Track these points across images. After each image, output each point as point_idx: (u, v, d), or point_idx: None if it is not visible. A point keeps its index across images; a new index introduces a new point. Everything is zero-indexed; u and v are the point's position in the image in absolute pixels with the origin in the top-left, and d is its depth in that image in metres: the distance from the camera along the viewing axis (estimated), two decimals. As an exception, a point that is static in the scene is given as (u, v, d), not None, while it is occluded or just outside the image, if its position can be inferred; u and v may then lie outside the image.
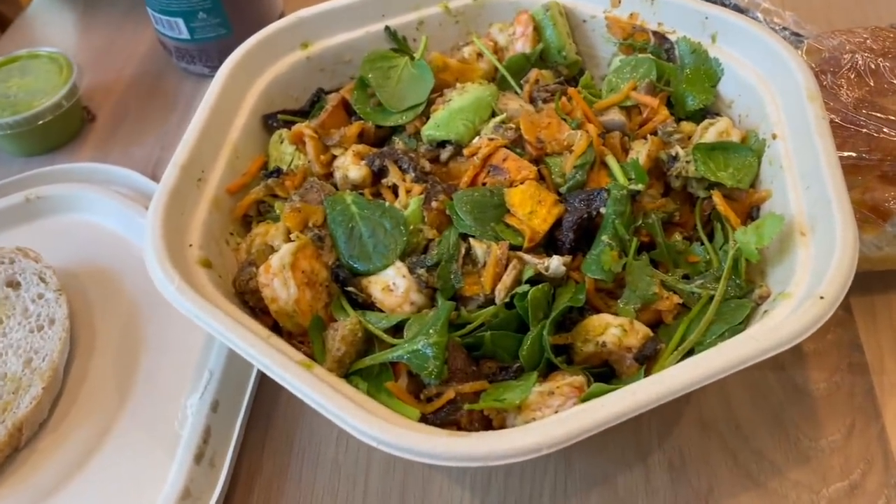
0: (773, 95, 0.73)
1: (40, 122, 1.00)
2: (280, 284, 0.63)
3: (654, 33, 0.83)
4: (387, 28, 0.87)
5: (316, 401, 0.53)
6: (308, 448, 0.71)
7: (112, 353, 0.79)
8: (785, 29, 1.01)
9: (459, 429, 0.59)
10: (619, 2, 0.85)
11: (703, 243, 0.69)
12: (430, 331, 0.59)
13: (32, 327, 0.78)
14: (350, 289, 0.66)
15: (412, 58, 0.84)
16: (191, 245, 0.67)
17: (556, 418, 0.50)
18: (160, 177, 0.69)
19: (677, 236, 0.70)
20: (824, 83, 0.80)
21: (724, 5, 1.03)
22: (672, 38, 0.82)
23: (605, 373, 0.63)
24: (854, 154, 0.75)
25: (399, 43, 0.87)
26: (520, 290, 0.62)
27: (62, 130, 1.05)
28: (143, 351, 0.79)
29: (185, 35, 1.07)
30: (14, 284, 0.82)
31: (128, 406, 0.74)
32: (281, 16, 1.15)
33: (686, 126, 0.77)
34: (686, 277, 0.68)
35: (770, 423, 0.70)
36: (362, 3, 0.86)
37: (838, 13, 1.13)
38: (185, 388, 0.74)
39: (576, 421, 0.49)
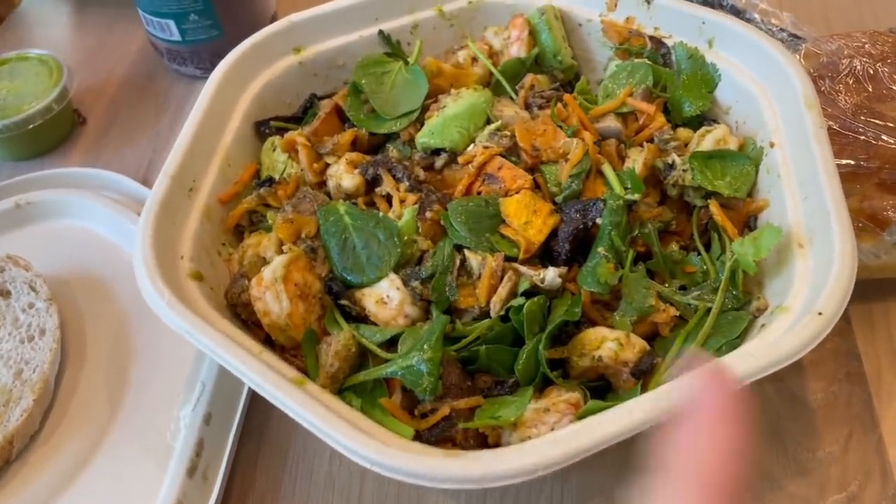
0: (770, 102, 0.73)
1: (30, 126, 0.98)
2: (272, 298, 0.62)
3: (651, 38, 0.82)
4: (380, 32, 0.86)
5: (308, 420, 0.52)
6: (301, 461, 0.70)
7: (103, 363, 0.78)
8: (783, 30, 1.00)
9: (454, 445, 0.58)
10: (616, 5, 0.84)
11: (699, 253, 0.69)
12: (425, 346, 0.58)
13: (23, 338, 0.77)
14: (343, 302, 0.65)
15: (406, 62, 0.83)
16: (182, 257, 0.66)
17: (553, 438, 0.50)
18: (152, 181, 0.68)
19: (674, 246, 0.70)
20: (822, 88, 0.79)
21: (721, 6, 1.02)
22: (669, 42, 0.81)
23: (602, 387, 0.62)
24: (852, 162, 0.74)
25: (393, 47, 0.86)
26: (515, 302, 0.62)
27: (52, 134, 1.04)
28: (135, 361, 0.78)
29: (177, 37, 1.06)
30: (4, 293, 0.81)
31: (119, 418, 0.73)
32: (273, 18, 1.14)
33: (682, 133, 0.76)
34: (683, 288, 0.67)
35: (767, 434, 0.69)
36: (355, 7, 0.85)
37: (836, 13, 1.12)
38: (177, 399, 0.73)
39: (573, 441, 0.49)
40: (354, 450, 0.50)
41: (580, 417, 0.54)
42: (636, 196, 0.68)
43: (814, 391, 0.72)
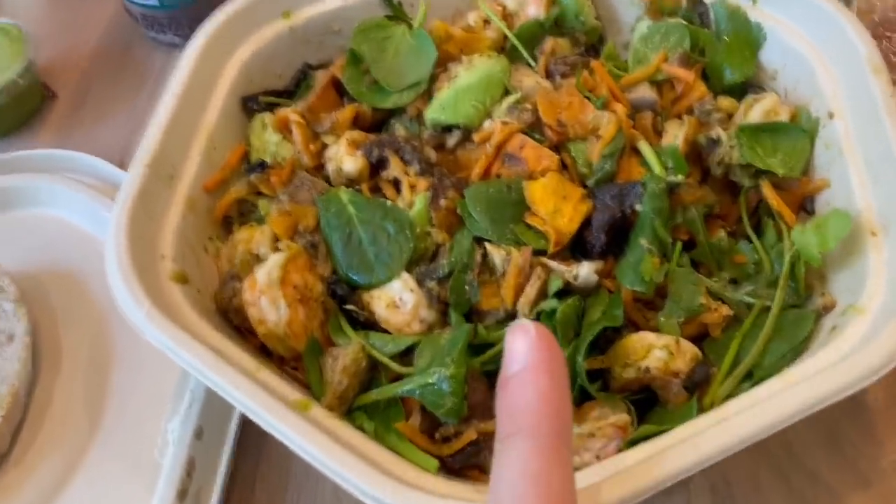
0: (826, 66, 0.64)
1: (-7, 105, 0.89)
2: (268, 304, 0.54)
3: (686, -5, 0.73)
4: (380, -9, 0.76)
5: (317, 458, 0.44)
6: (305, 481, 0.63)
7: (81, 371, 0.70)
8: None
9: (482, 472, 0.51)
10: (645, -42, 0.75)
11: (750, 241, 0.61)
12: (447, 360, 0.50)
13: (-12, 345, 0.69)
14: (349, 306, 0.57)
15: (410, 26, 0.74)
16: (163, 257, 0.58)
17: (608, 477, 0.42)
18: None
19: (721, 233, 0.62)
20: (879, 49, 0.70)
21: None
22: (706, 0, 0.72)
23: (646, 399, 0.55)
24: (917, 132, 0.66)
25: (394, 9, 0.77)
26: (546, 306, 0.54)
27: (18, 112, 0.94)
28: (117, 368, 0.70)
29: (153, 1, 0.96)
30: (-34, 295, 0.73)
31: (100, 433, 0.66)
32: (258, -23, 1.03)
33: (724, 102, 0.68)
34: (733, 282, 0.59)
35: (825, 441, 0.62)
36: (351, -37, 0.75)
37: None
38: (164, 409, 0.66)
39: (632, 481, 0.41)
40: (372, 493, 0.43)
41: (631, 444, 0.47)
42: (679, 177, 0.60)
43: (874, 391, 0.65)
